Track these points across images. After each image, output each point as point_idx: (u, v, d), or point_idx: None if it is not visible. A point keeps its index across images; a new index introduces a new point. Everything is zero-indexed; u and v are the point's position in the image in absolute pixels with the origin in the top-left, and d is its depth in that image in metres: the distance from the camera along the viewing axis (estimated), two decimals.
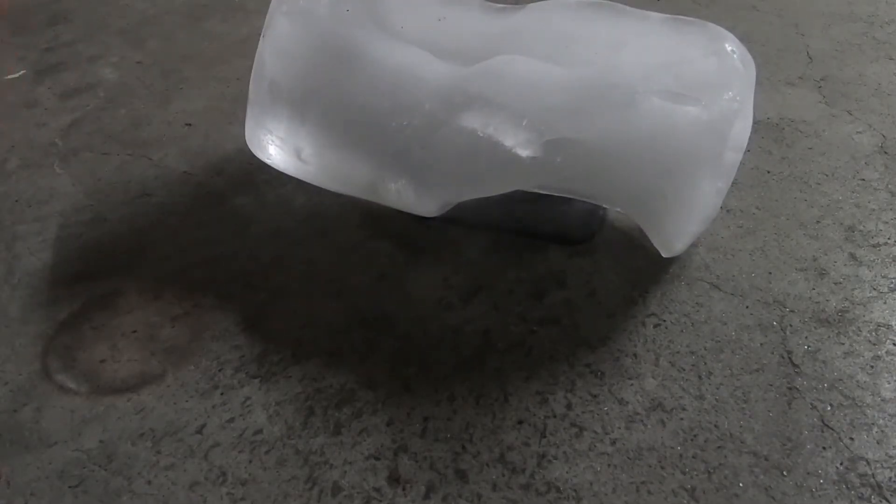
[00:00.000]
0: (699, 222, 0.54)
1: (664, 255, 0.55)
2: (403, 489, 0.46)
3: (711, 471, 0.45)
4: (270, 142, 0.59)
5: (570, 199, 0.59)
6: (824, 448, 0.46)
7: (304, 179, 0.60)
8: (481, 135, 0.54)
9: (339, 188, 0.60)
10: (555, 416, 0.49)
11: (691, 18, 0.55)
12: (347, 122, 0.57)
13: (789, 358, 0.52)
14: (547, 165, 0.53)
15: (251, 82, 0.57)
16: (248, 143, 0.59)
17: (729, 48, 0.53)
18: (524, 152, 0.53)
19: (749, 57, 0.54)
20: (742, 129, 0.55)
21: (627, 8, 0.58)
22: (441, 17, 0.61)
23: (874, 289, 0.56)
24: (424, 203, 0.57)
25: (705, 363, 0.51)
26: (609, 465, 0.46)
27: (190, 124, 0.78)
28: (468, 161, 0.55)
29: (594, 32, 0.57)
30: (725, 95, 0.52)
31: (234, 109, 0.77)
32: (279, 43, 0.56)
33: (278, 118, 0.57)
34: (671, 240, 0.54)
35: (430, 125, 0.54)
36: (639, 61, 0.53)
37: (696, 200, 0.53)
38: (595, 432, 0.48)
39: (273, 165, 0.60)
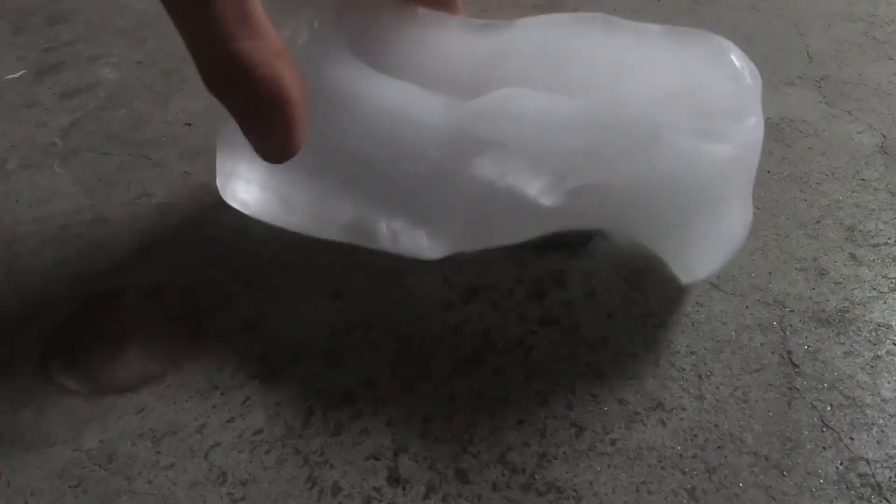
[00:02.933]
0: (727, 252, 0.51)
1: (684, 281, 0.53)
2: (403, 489, 0.46)
3: (711, 471, 0.45)
4: (247, 192, 0.54)
5: None
6: (824, 448, 0.46)
7: (290, 229, 0.56)
8: (499, 185, 0.49)
9: (332, 237, 0.55)
10: (555, 417, 0.49)
11: (690, 29, 0.52)
12: (340, 171, 0.52)
13: (789, 358, 0.52)
14: (570, 211, 0.49)
15: (222, 126, 0.52)
16: (220, 193, 0.55)
17: (738, 64, 0.51)
18: (547, 201, 0.49)
19: (754, 67, 0.51)
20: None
21: (622, 21, 0.53)
22: (423, 41, 0.54)
23: (874, 289, 0.56)
24: (430, 249, 0.53)
25: (705, 363, 0.51)
26: (609, 465, 0.46)
27: (190, 124, 0.78)
28: (483, 211, 0.50)
29: (592, 51, 0.52)
30: (749, 123, 0.49)
31: None
32: None
33: (254, 167, 0.52)
34: (695, 269, 0.52)
35: (438, 173, 0.50)
36: (651, 87, 0.49)
37: (723, 232, 0.51)
38: (595, 432, 0.48)
39: (252, 215, 0.55)
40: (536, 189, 0.48)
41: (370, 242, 0.54)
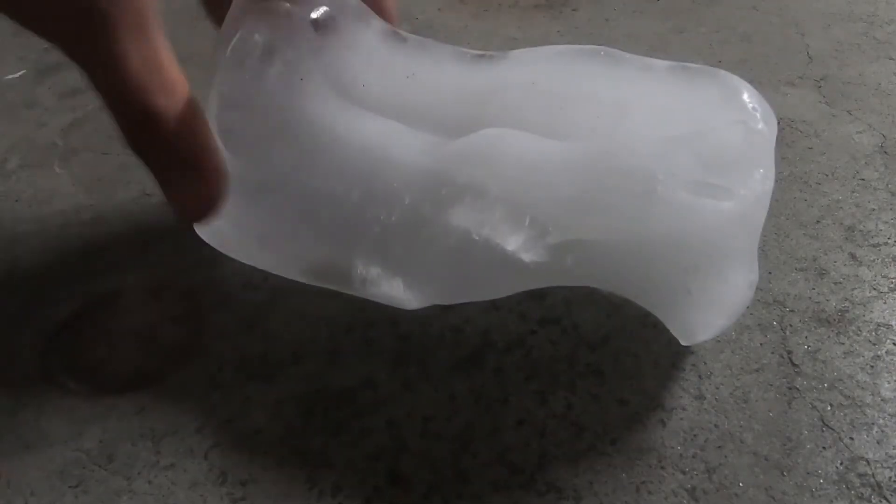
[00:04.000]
0: (728, 316, 0.47)
1: (683, 343, 0.49)
2: (403, 489, 0.46)
3: (711, 471, 0.45)
4: (219, 228, 0.50)
5: None
6: (824, 448, 0.46)
7: (262, 268, 0.53)
8: (476, 237, 0.44)
9: (304, 280, 0.51)
10: (555, 416, 0.49)
11: (700, 66, 0.48)
12: (312, 214, 0.47)
13: (789, 358, 0.52)
14: (554, 268, 0.44)
15: None
16: (195, 227, 0.52)
17: (750, 106, 0.45)
18: (528, 256, 0.44)
19: (769, 110, 0.46)
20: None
21: (626, 55, 0.48)
22: (410, 73, 0.50)
23: (874, 289, 0.56)
24: (407, 300, 0.48)
25: (705, 363, 0.51)
26: (609, 465, 0.46)
27: None
28: (460, 265, 0.46)
29: (592, 90, 0.47)
30: (756, 175, 0.43)
31: None
32: (224, 126, 0.46)
33: (229, 205, 0.49)
34: (694, 332, 0.47)
35: (412, 222, 0.45)
36: (651, 132, 0.44)
37: (725, 294, 0.46)
38: (595, 432, 0.48)
39: (225, 252, 0.53)
40: (516, 243, 0.44)
41: (344, 287, 0.50)
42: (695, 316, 0.47)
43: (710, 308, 0.47)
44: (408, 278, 0.47)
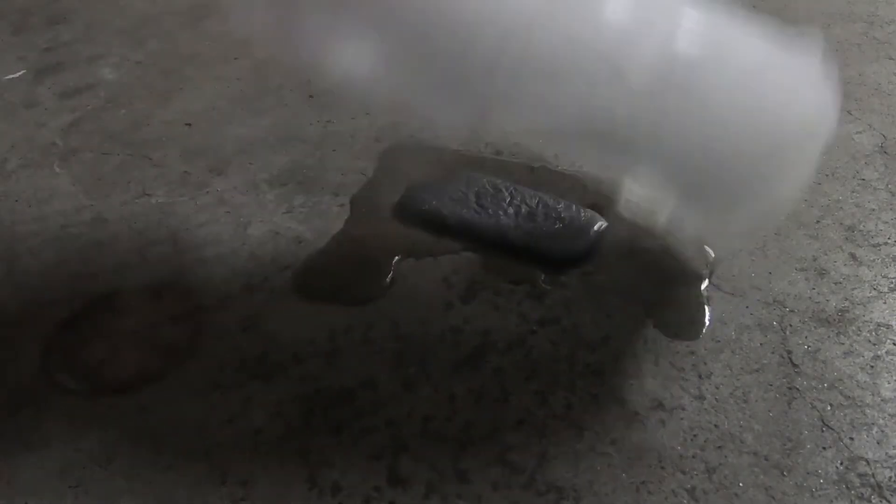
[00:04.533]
0: (768, 219, 0.53)
1: (717, 252, 0.53)
2: (403, 489, 0.46)
3: (711, 471, 0.46)
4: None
5: (563, 217, 0.57)
6: (824, 448, 0.46)
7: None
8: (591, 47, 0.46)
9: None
10: (555, 416, 0.49)
11: None
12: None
13: (789, 358, 0.52)
14: (652, 97, 0.47)
15: None
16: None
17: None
18: (637, 79, 0.46)
19: None
20: None
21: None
22: None
23: (874, 289, 0.56)
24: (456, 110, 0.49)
25: (705, 363, 0.51)
26: (609, 465, 0.46)
27: (190, 124, 0.77)
28: (560, 83, 0.47)
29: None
30: (832, 110, 0.53)
31: (234, 109, 0.77)
32: None
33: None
34: (731, 237, 0.52)
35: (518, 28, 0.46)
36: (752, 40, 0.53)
37: (775, 193, 0.51)
38: (595, 432, 0.48)
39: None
40: (630, 62, 0.46)
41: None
42: (739, 214, 0.51)
43: (756, 205, 0.51)
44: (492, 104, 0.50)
